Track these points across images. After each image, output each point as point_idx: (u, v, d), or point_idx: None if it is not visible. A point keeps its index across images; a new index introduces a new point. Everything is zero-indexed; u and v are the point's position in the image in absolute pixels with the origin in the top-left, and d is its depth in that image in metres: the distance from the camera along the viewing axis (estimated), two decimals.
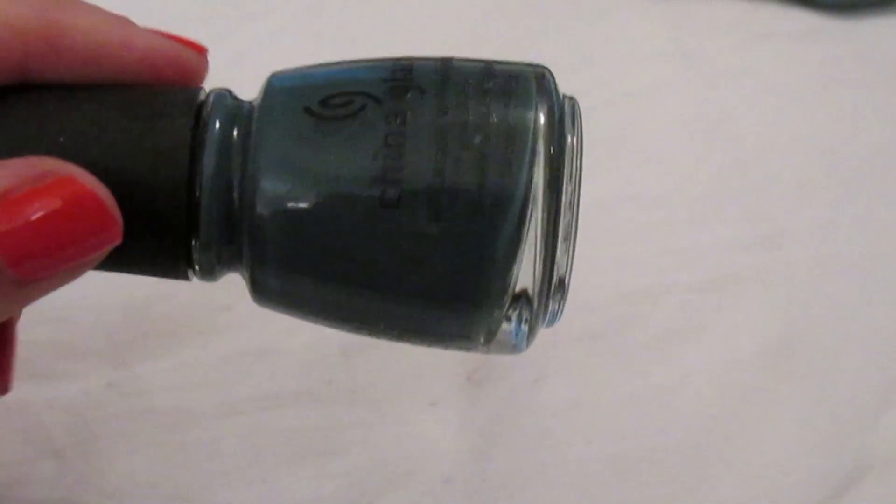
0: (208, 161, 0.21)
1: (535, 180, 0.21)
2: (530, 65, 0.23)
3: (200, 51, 0.24)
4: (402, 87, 0.21)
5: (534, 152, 0.21)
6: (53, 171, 0.20)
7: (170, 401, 0.34)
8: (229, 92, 0.23)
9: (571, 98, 0.23)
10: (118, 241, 0.21)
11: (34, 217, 0.19)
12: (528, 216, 0.21)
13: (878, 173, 0.43)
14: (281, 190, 0.21)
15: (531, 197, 0.21)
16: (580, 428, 0.34)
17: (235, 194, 0.21)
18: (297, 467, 0.33)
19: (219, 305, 0.36)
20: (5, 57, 0.22)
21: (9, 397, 0.33)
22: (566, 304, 0.24)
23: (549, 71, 0.23)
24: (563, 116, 0.22)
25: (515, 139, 0.21)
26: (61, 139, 0.21)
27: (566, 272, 0.23)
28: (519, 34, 0.48)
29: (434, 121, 0.21)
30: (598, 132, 0.44)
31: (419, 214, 0.21)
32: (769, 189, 0.42)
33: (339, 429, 0.34)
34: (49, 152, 0.21)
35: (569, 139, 0.22)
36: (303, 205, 0.21)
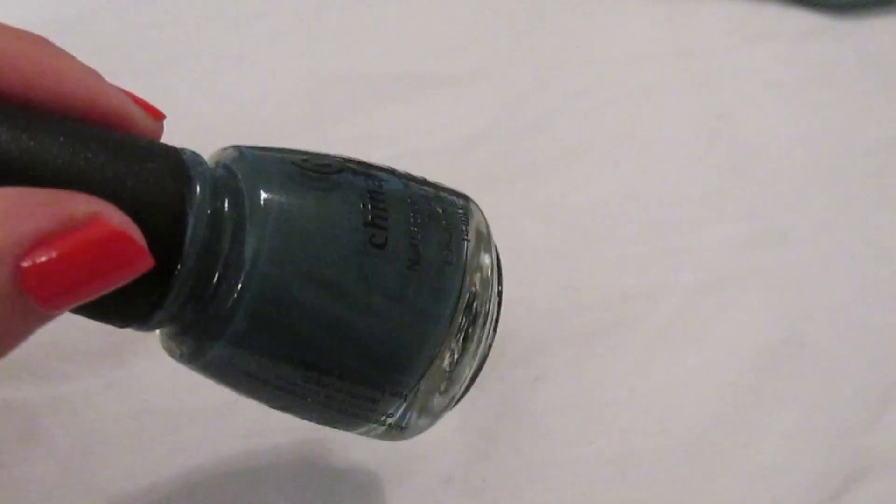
0: (197, 230, 0.21)
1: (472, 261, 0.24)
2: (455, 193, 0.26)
3: (158, 117, 0.25)
4: (384, 205, 0.23)
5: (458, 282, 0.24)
6: (86, 210, 0.20)
7: (169, 401, 0.34)
8: (198, 155, 0.23)
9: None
10: (149, 268, 0.21)
11: (66, 257, 0.20)
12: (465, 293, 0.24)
13: (879, 173, 0.43)
14: (278, 253, 0.22)
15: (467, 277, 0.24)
16: (580, 428, 0.34)
17: (220, 266, 0.22)
18: (296, 467, 0.33)
19: None
20: None
21: (9, 397, 0.33)
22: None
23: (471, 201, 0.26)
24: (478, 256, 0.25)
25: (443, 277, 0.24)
26: (61, 161, 0.21)
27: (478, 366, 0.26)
28: (519, 34, 0.48)
29: (403, 192, 0.24)
30: (598, 132, 0.44)
31: (401, 258, 0.23)
32: (769, 189, 0.42)
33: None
34: (54, 177, 0.21)
35: (486, 260, 0.25)
36: (300, 263, 0.22)
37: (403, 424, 0.25)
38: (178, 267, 0.21)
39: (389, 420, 0.25)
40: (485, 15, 0.49)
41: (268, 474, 0.32)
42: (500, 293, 0.26)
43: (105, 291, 0.20)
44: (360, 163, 0.24)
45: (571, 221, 0.40)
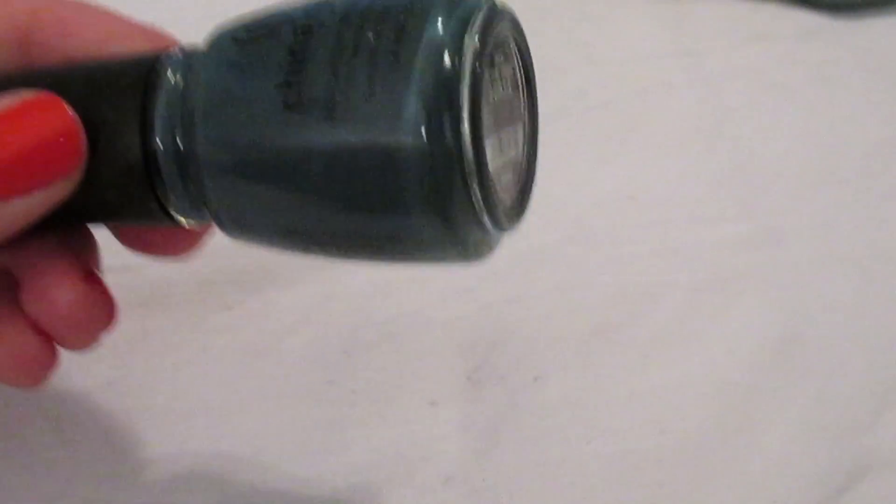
0: (159, 106, 0.23)
1: (426, 88, 0.21)
2: None
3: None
4: (318, 5, 0.22)
5: (425, 61, 0.21)
6: (37, 93, 0.22)
7: (169, 400, 0.34)
8: (194, 47, 0.25)
9: (500, 9, 0.23)
10: (81, 156, 0.23)
11: (7, 132, 0.21)
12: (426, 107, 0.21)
13: (878, 173, 0.43)
14: (210, 123, 0.22)
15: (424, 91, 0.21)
16: (580, 428, 0.34)
17: (179, 137, 0.23)
18: (297, 467, 0.33)
19: (219, 305, 0.36)
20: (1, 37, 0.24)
21: (8, 398, 0.33)
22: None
23: None
24: (469, 25, 0.21)
25: (405, 46, 0.21)
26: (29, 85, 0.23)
27: (505, 183, 0.23)
28: None
29: (336, 28, 0.22)
30: (598, 132, 0.44)
31: (317, 115, 0.21)
32: (769, 189, 0.42)
33: (339, 429, 0.34)
34: None
35: (469, 48, 0.21)
36: (228, 130, 0.22)
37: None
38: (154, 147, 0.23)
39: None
40: None
41: (267, 474, 0.32)
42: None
43: (47, 174, 0.22)
44: (304, 10, 0.23)
45: (571, 221, 0.40)
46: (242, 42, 0.23)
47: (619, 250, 0.39)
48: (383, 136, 0.21)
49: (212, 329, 0.36)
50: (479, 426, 0.34)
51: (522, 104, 0.25)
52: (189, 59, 0.24)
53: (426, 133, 0.21)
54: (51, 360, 0.26)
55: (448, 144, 0.21)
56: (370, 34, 0.21)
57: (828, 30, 0.49)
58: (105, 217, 0.26)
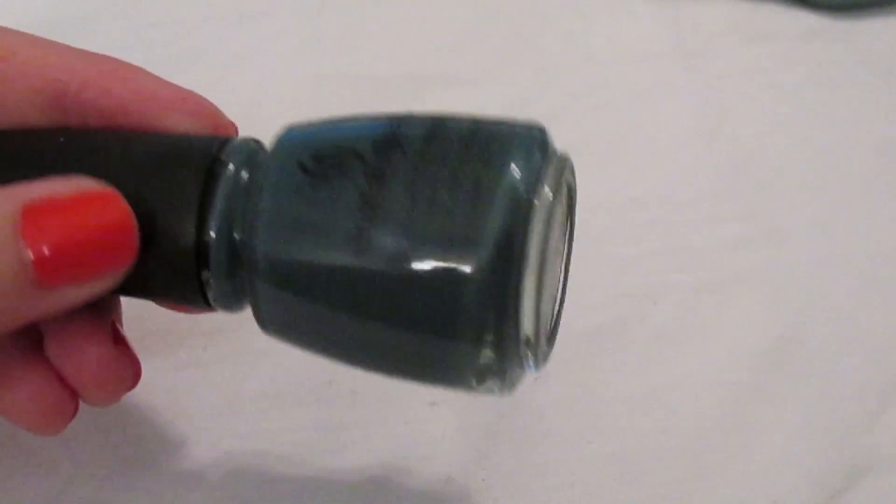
0: (219, 199, 0.23)
1: (500, 233, 0.21)
2: (525, 125, 0.24)
3: (228, 131, 0.26)
4: (386, 145, 0.22)
5: (502, 210, 0.21)
6: (98, 186, 0.22)
7: (170, 400, 0.34)
8: (255, 141, 0.25)
9: (564, 157, 0.23)
10: (133, 253, 0.22)
11: (65, 221, 0.21)
12: (496, 265, 0.21)
13: (879, 173, 0.43)
14: (273, 238, 0.22)
15: (496, 248, 0.21)
16: (580, 428, 0.34)
17: (237, 234, 0.23)
18: (296, 467, 0.33)
19: None
20: (36, 92, 0.24)
21: None
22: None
23: (543, 130, 0.24)
24: (541, 176, 0.22)
25: (482, 194, 0.21)
26: (84, 164, 0.23)
27: (546, 322, 0.24)
28: (519, 34, 0.48)
29: (408, 178, 0.22)
30: (598, 132, 0.44)
31: (387, 267, 0.21)
32: (769, 189, 0.42)
33: (339, 429, 0.34)
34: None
35: (543, 198, 0.22)
36: (291, 253, 0.22)
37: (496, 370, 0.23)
38: (208, 239, 0.23)
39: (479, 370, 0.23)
40: (485, 15, 0.49)
41: (267, 474, 0.32)
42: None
43: (93, 270, 0.22)
44: (374, 149, 0.23)
45: None
46: (311, 173, 0.22)
47: (619, 250, 0.39)
48: (449, 289, 0.21)
49: (212, 329, 0.36)
50: (479, 426, 0.34)
51: (565, 243, 0.26)
52: (253, 157, 0.24)
53: (489, 296, 0.21)
54: (72, 412, 0.26)
55: (510, 298, 0.21)
56: (444, 190, 0.21)
57: (828, 30, 0.49)
58: (143, 294, 0.26)
